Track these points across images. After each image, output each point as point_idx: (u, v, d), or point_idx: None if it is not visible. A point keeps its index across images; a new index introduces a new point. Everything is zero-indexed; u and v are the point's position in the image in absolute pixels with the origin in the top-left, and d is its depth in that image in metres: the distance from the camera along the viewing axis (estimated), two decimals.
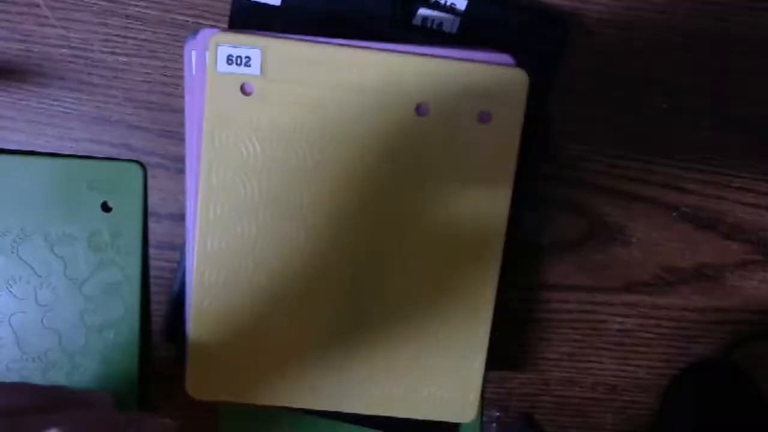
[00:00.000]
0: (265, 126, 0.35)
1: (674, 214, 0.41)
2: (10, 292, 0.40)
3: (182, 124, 0.40)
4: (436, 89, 0.35)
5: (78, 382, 0.41)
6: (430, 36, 0.37)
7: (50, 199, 0.39)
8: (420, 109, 0.35)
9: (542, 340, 0.43)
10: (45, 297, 0.40)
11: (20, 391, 0.32)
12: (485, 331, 0.37)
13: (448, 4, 0.37)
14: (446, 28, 0.37)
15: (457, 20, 0.37)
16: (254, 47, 0.34)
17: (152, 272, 0.41)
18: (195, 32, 0.35)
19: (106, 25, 0.39)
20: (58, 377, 0.41)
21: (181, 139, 0.40)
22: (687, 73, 0.40)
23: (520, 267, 0.42)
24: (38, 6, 0.38)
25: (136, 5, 0.38)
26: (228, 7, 0.38)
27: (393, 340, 0.37)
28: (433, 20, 0.37)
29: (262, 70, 0.34)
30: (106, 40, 0.39)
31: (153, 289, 0.41)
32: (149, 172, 0.40)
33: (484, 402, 0.43)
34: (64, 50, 0.39)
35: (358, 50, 0.34)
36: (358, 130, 0.35)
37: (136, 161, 0.40)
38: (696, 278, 0.42)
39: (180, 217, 0.40)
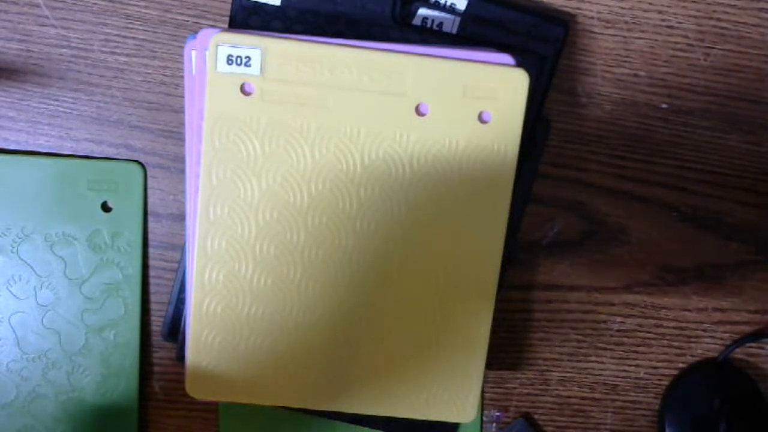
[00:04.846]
0: (265, 126, 0.35)
1: (674, 214, 0.41)
2: (10, 292, 0.40)
3: (182, 124, 0.40)
4: (436, 89, 0.35)
5: (78, 382, 0.41)
6: (430, 36, 0.37)
7: (50, 199, 0.39)
8: (420, 109, 0.35)
9: (542, 340, 0.43)
10: (45, 297, 0.40)
11: None
12: (485, 331, 0.37)
13: (448, 4, 0.37)
14: (446, 28, 0.37)
15: (457, 20, 0.37)
16: (254, 47, 0.34)
17: (152, 272, 0.41)
18: (195, 32, 0.35)
19: (106, 25, 0.39)
20: (58, 377, 0.41)
21: (181, 139, 0.40)
22: (687, 73, 0.40)
23: (520, 267, 0.42)
24: (38, 6, 0.38)
25: (136, 5, 0.38)
26: (228, 7, 0.38)
27: (393, 340, 0.37)
28: (433, 20, 0.37)
29: (262, 70, 0.34)
30: (106, 40, 0.39)
31: (153, 289, 0.41)
32: (149, 172, 0.40)
33: (484, 402, 0.43)
34: (64, 50, 0.39)
35: (358, 50, 0.34)
36: (358, 131, 0.35)
37: (136, 161, 0.40)
38: (696, 278, 0.42)
39: (180, 217, 0.40)
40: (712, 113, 0.40)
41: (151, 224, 0.41)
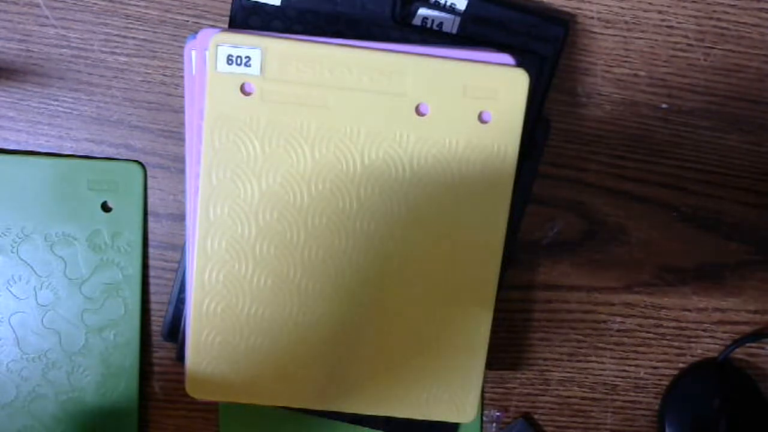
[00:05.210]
0: (265, 126, 0.35)
1: (674, 214, 0.41)
2: (10, 292, 0.40)
3: (182, 124, 0.40)
4: (436, 89, 0.35)
5: (78, 382, 0.41)
6: (430, 36, 0.37)
7: (50, 199, 0.39)
8: (420, 109, 0.35)
9: (542, 340, 0.43)
10: (45, 297, 0.40)
11: None
12: (485, 331, 0.37)
13: (448, 4, 0.37)
14: (446, 28, 0.37)
15: (457, 20, 0.37)
16: (254, 47, 0.34)
17: (152, 272, 0.41)
18: (195, 32, 0.35)
19: (106, 25, 0.39)
20: (58, 377, 0.41)
21: (181, 139, 0.40)
22: (687, 73, 0.40)
23: (520, 267, 0.42)
24: (38, 6, 0.38)
25: (136, 5, 0.38)
26: (228, 7, 0.38)
27: (393, 340, 0.37)
28: (433, 20, 0.37)
29: (262, 70, 0.34)
30: (106, 40, 0.39)
31: (153, 289, 0.41)
32: (149, 172, 0.40)
33: (484, 402, 0.43)
34: (64, 50, 0.39)
35: (358, 50, 0.34)
36: (358, 131, 0.35)
37: (136, 161, 0.40)
38: (696, 278, 0.42)
39: (180, 217, 0.40)
40: (712, 113, 0.40)
41: (151, 224, 0.41)
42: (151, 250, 0.41)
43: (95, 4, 0.38)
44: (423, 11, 0.37)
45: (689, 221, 0.41)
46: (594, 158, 0.41)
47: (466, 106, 0.35)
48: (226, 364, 0.37)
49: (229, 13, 0.37)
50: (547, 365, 0.43)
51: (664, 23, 0.39)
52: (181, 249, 0.41)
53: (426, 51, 0.35)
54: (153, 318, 0.41)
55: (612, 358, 0.43)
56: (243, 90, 0.34)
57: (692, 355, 0.43)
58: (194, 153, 0.36)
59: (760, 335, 0.43)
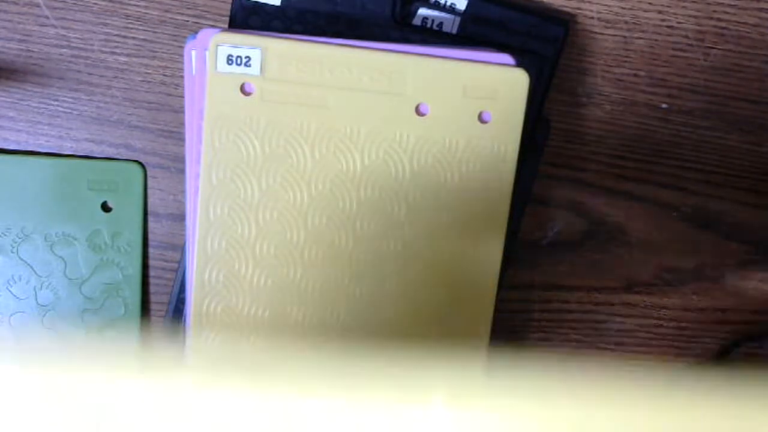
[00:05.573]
0: (265, 126, 0.35)
1: (674, 214, 0.41)
2: (10, 292, 0.40)
3: (182, 124, 0.40)
4: (436, 89, 0.35)
5: None
6: (430, 36, 0.37)
7: (50, 199, 0.39)
8: (420, 109, 0.35)
9: (542, 340, 0.43)
10: (45, 297, 0.40)
11: None
12: (485, 331, 0.37)
13: (448, 4, 0.37)
14: (446, 28, 0.37)
15: (457, 20, 0.37)
16: (254, 47, 0.34)
17: (152, 272, 0.41)
18: (195, 32, 0.35)
19: (106, 25, 0.39)
20: None
21: (181, 139, 0.40)
22: (687, 73, 0.40)
23: (520, 267, 0.42)
24: (38, 6, 0.38)
25: (136, 5, 0.38)
26: (228, 7, 0.38)
27: (393, 340, 0.37)
28: (433, 20, 0.37)
29: (262, 70, 0.34)
30: (106, 40, 0.39)
31: (153, 289, 0.41)
32: (149, 172, 0.40)
33: None
34: (64, 50, 0.39)
35: (358, 50, 0.34)
36: (358, 131, 0.35)
37: (136, 161, 0.40)
38: (696, 278, 0.42)
39: (180, 217, 0.40)
40: (712, 113, 0.40)
41: (151, 224, 0.41)
42: (151, 250, 0.41)
43: (95, 4, 0.38)
44: (423, 11, 0.37)
45: (689, 221, 0.41)
46: (594, 158, 0.41)
47: (466, 106, 0.35)
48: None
49: (229, 13, 0.37)
50: None
51: (664, 23, 0.39)
52: (181, 249, 0.41)
53: (426, 51, 0.35)
54: (153, 318, 0.41)
55: (612, 358, 0.43)
56: (243, 90, 0.34)
57: (692, 355, 0.43)
58: (194, 153, 0.36)
59: (760, 335, 0.43)
